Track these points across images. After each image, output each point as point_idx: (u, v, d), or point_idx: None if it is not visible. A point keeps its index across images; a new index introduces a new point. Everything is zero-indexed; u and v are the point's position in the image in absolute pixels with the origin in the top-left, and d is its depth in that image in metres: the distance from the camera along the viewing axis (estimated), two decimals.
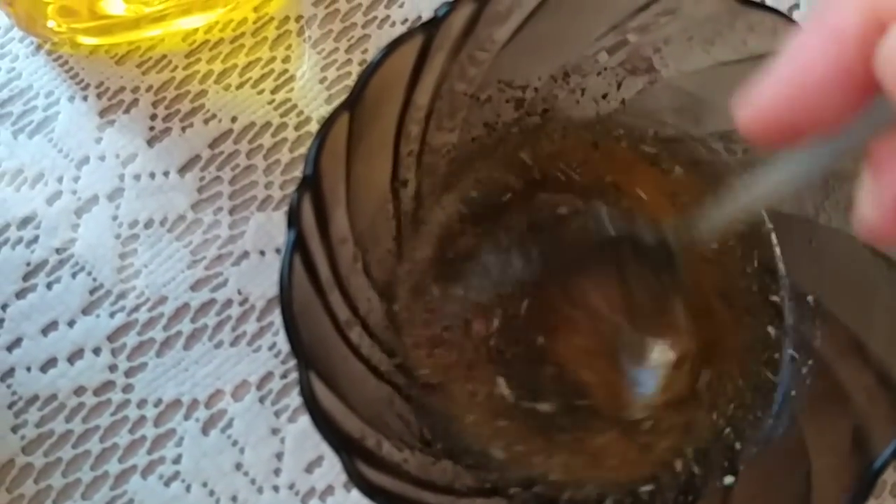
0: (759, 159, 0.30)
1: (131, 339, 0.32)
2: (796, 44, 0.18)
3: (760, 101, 0.19)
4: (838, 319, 0.28)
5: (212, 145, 0.35)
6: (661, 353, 0.29)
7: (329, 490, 0.31)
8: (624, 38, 0.30)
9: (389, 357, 0.29)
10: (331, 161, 0.26)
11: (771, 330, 0.30)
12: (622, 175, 0.32)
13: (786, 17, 0.27)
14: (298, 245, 0.24)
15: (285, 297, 0.24)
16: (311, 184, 0.25)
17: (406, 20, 0.36)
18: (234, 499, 0.30)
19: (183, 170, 0.34)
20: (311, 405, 0.23)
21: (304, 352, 0.23)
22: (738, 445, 0.28)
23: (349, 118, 0.26)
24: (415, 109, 0.30)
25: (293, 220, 0.24)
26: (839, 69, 0.17)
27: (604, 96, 0.32)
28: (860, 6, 0.17)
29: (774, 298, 0.30)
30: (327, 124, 0.25)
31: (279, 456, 0.31)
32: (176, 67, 0.35)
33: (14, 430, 0.31)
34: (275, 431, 0.31)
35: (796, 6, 0.37)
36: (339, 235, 0.27)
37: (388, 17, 0.36)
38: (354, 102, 0.26)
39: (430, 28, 0.26)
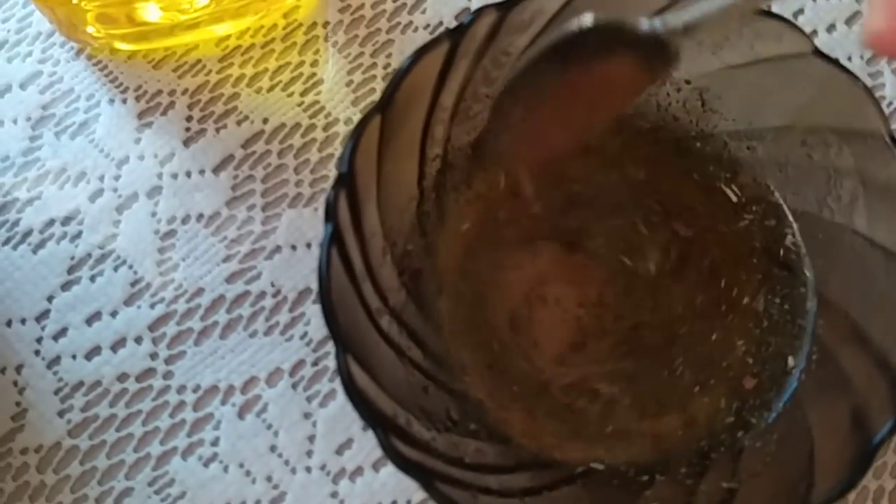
0: (772, 156, 0.32)
1: (171, 329, 0.34)
2: None
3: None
4: (840, 308, 0.30)
5: (245, 145, 0.36)
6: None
7: (358, 471, 0.32)
8: None
9: (416, 343, 0.31)
10: (364, 160, 0.27)
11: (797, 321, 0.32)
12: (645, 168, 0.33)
13: (790, 23, 0.29)
14: (335, 238, 0.26)
15: (324, 286, 0.26)
16: (347, 181, 0.27)
17: (428, 25, 0.38)
18: (268, 479, 0.32)
19: (217, 169, 0.36)
20: (348, 385, 0.25)
21: (341, 336, 0.25)
22: (746, 424, 0.30)
23: (381, 120, 0.28)
24: (440, 111, 0.31)
25: (330, 214, 0.26)
26: None
27: None
28: None
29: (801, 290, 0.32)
30: (361, 125, 0.27)
31: (311, 439, 0.33)
32: (210, 71, 0.37)
33: (60, 414, 0.33)
34: (307, 415, 0.33)
35: (801, 11, 0.38)
36: (370, 230, 0.29)
37: (411, 22, 0.38)
38: (386, 105, 0.28)
39: (455, 35, 0.28)
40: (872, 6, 0.21)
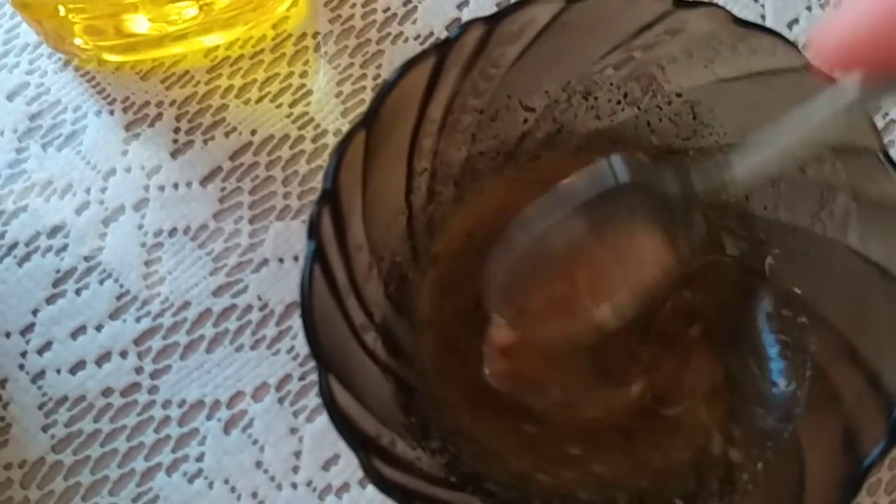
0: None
1: (156, 343, 0.34)
2: None
3: (842, 29, 0.20)
4: (832, 325, 0.29)
5: (232, 157, 0.36)
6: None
7: (345, 487, 0.32)
8: (629, 55, 0.31)
9: (400, 361, 0.30)
10: (348, 175, 0.27)
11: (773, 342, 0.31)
12: None
13: (783, 38, 0.28)
14: (318, 255, 0.26)
15: (306, 305, 0.25)
16: (330, 197, 0.26)
17: (419, 36, 0.38)
18: (254, 495, 0.32)
19: (205, 181, 0.36)
20: (330, 406, 0.24)
21: (323, 356, 0.25)
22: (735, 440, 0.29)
23: (366, 135, 0.27)
24: (428, 123, 0.31)
25: (313, 231, 0.26)
26: None
27: (610, 110, 0.33)
28: None
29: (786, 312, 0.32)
30: (345, 141, 0.27)
31: (297, 454, 0.32)
32: (198, 83, 0.37)
33: (44, 429, 0.33)
34: (293, 431, 0.33)
35: (796, 21, 0.38)
36: (355, 244, 0.29)
37: (401, 33, 0.38)
38: (371, 120, 0.27)
39: (443, 48, 0.28)
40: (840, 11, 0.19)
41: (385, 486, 0.24)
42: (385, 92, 0.27)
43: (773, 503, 0.26)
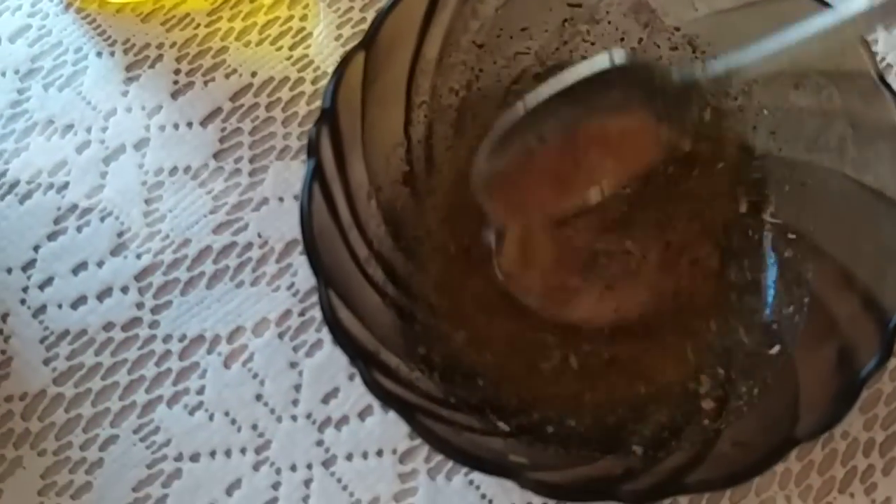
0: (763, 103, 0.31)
1: (157, 279, 0.34)
2: None
3: None
4: (828, 253, 0.29)
5: (233, 98, 0.36)
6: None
7: (344, 419, 0.32)
8: None
9: (402, 289, 0.30)
10: (347, 97, 0.27)
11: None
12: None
13: None
14: (317, 174, 0.26)
15: (305, 221, 0.25)
16: (330, 116, 0.26)
17: None
18: (254, 427, 0.32)
19: (205, 121, 0.36)
20: (330, 318, 0.24)
21: (323, 270, 0.25)
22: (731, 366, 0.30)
23: (364, 57, 0.27)
24: (425, 61, 0.31)
25: (312, 150, 0.26)
26: None
27: (610, 46, 0.33)
28: None
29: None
30: (344, 62, 0.27)
31: (297, 388, 0.32)
32: (199, 25, 0.37)
33: (46, 362, 0.33)
34: (293, 365, 0.33)
35: None
36: (355, 173, 0.29)
37: None
38: (369, 43, 0.27)
39: None
40: None
41: (387, 397, 0.24)
42: (383, 15, 0.28)
43: (767, 420, 0.26)
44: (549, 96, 0.26)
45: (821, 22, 0.23)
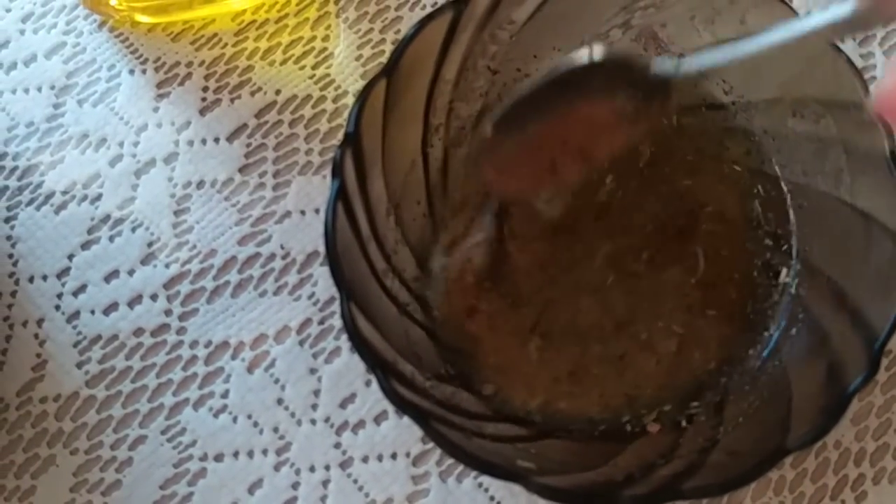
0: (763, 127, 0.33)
1: (185, 287, 0.36)
2: None
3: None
4: (822, 272, 0.31)
5: (258, 115, 0.38)
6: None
7: (361, 423, 0.34)
8: (634, 16, 0.33)
9: (417, 301, 0.32)
10: (370, 121, 0.29)
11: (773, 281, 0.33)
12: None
13: (782, 2, 0.30)
14: (341, 194, 0.28)
15: (330, 238, 0.27)
16: (353, 140, 0.28)
17: (436, 3, 0.39)
18: (275, 429, 0.34)
19: (231, 137, 0.38)
20: (351, 329, 0.26)
21: (345, 283, 0.27)
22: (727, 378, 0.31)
23: (386, 84, 0.29)
24: (443, 83, 0.33)
25: (336, 171, 0.28)
26: None
27: None
28: None
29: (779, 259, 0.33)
30: (367, 88, 0.29)
31: (316, 393, 0.34)
32: (226, 45, 0.39)
33: (79, 366, 0.35)
34: (313, 371, 0.34)
35: None
36: (376, 193, 0.31)
37: (419, 0, 0.40)
38: (391, 70, 0.29)
39: (458, 5, 0.30)
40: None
41: (402, 404, 0.26)
42: (405, 44, 0.29)
43: (760, 430, 0.28)
44: (540, 85, 0.28)
45: (792, 27, 0.24)
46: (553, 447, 0.30)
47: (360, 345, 0.26)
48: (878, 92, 0.23)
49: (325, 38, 0.39)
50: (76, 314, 0.35)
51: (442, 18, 0.30)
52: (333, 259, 0.27)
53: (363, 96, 0.28)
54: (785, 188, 0.33)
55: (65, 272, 0.36)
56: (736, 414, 0.29)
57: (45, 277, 0.36)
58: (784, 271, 0.33)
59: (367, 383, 0.34)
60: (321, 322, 0.35)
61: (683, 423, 0.30)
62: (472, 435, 0.27)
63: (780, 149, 0.33)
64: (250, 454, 0.34)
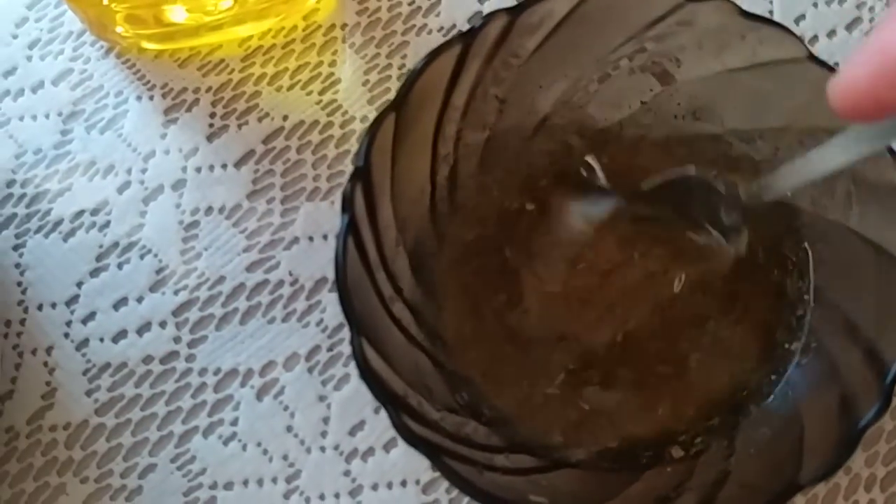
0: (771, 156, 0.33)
1: (193, 315, 0.36)
2: (886, 26, 0.19)
3: (853, 79, 0.20)
4: (833, 302, 0.31)
5: (265, 141, 0.38)
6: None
7: (370, 451, 0.34)
8: (642, 46, 0.33)
9: (425, 330, 0.32)
10: (379, 155, 0.29)
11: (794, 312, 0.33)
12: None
13: (787, 30, 0.30)
14: (351, 228, 0.28)
15: (340, 273, 0.27)
16: (363, 175, 0.28)
17: (442, 28, 0.40)
18: (285, 457, 0.34)
19: (239, 163, 0.38)
20: (362, 364, 0.26)
21: (356, 319, 0.27)
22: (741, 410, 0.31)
23: (395, 118, 0.29)
24: (452, 110, 0.33)
25: (347, 205, 0.28)
26: None
27: (624, 99, 0.35)
28: None
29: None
30: (376, 123, 0.29)
31: (326, 420, 0.34)
32: (233, 70, 0.39)
33: (88, 394, 0.35)
34: (322, 398, 0.35)
35: (802, 17, 0.40)
36: (384, 221, 0.31)
37: (425, 25, 0.40)
38: (400, 104, 0.29)
39: (467, 38, 0.30)
40: (856, 56, 0.20)
41: (414, 439, 0.26)
42: (413, 78, 0.29)
43: (772, 463, 0.28)
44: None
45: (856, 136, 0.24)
46: (566, 478, 0.30)
47: (371, 381, 0.26)
48: (833, 84, 0.21)
49: (332, 64, 0.39)
50: (85, 342, 0.35)
51: (451, 51, 0.30)
52: (344, 295, 0.27)
53: (373, 131, 0.28)
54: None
55: (74, 300, 0.36)
56: (748, 445, 0.29)
57: (53, 305, 0.36)
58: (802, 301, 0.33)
59: (377, 410, 0.34)
60: (330, 349, 0.35)
61: (696, 451, 0.30)
62: (484, 469, 0.27)
63: None
64: (260, 482, 0.34)
